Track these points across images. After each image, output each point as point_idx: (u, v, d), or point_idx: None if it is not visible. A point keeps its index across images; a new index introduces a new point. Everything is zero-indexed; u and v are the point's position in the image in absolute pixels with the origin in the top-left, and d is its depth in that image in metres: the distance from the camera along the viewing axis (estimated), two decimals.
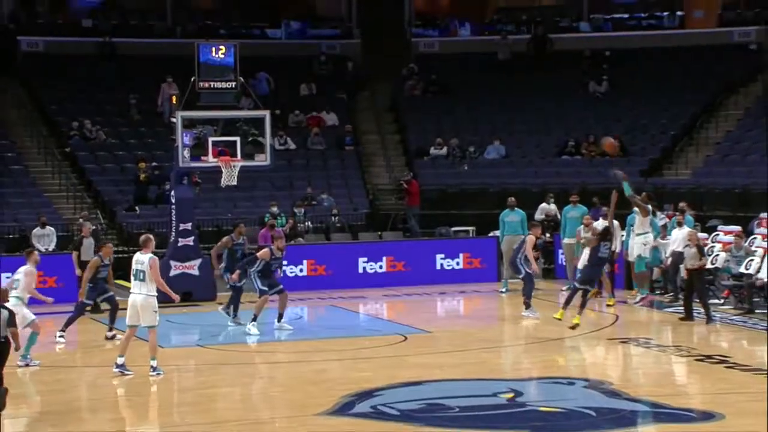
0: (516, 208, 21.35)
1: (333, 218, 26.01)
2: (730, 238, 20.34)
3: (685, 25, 34.40)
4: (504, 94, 31.92)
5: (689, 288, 17.98)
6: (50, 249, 22.64)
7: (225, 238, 18.63)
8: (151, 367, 14.09)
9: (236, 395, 13.53)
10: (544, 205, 24.73)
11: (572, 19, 34.86)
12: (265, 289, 17.20)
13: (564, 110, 31.18)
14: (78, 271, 19.57)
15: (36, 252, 16.15)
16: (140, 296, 14.04)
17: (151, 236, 14.72)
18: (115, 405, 13.24)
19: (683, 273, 18.82)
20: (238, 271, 17.74)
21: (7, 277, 20.34)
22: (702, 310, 17.66)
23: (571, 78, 32.23)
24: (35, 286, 15.42)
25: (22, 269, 15.33)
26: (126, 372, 14.13)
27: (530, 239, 18.59)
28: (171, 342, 17.06)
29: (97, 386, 14.20)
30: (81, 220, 22.85)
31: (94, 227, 21.76)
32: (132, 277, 14.14)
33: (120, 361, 14.17)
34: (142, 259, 14.09)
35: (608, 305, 19.46)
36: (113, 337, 16.75)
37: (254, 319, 17.23)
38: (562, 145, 29.93)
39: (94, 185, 27.33)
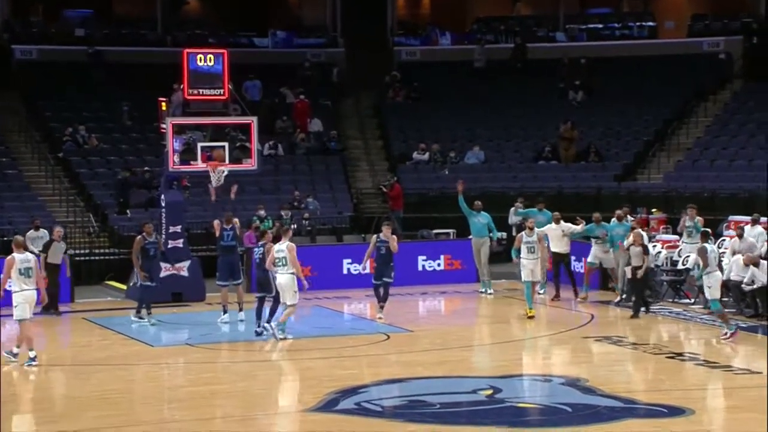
0: (482, 211, 21.83)
1: (304, 222, 26.24)
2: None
3: (657, 35, 35.23)
4: (483, 101, 32.61)
5: (634, 284, 18.73)
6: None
7: (137, 238, 18.89)
8: (12, 353, 15.11)
9: (224, 392, 13.85)
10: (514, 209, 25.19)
11: (549, 29, 35.61)
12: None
13: (541, 117, 31.92)
14: (43, 273, 19.56)
15: (291, 229, 17.66)
16: (34, 292, 15.10)
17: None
18: (105, 402, 13.38)
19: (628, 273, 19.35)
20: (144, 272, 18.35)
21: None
22: (681, 309, 18.41)
23: (548, 86, 32.98)
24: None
25: (283, 246, 16.62)
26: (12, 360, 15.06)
27: (372, 239, 18.90)
28: (161, 341, 17.56)
29: (87, 383, 14.50)
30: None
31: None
32: (21, 275, 14.89)
33: (17, 350, 15.11)
34: (29, 258, 15.15)
35: (529, 317, 19.21)
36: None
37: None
38: (540, 151, 30.77)
39: (87, 189, 27.87)
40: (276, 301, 17.23)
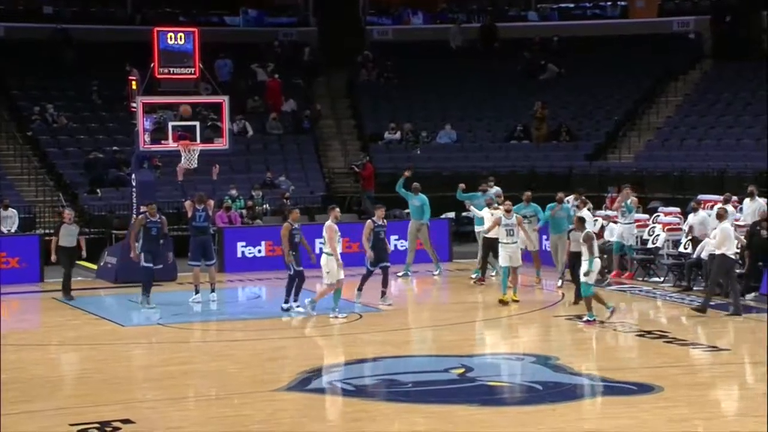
0: (420, 193, 21.63)
1: (285, 201, 26.34)
2: (670, 218, 21.30)
3: (628, 14, 35.38)
4: (455, 80, 32.63)
5: (574, 270, 18.17)
6: (13, 230, 22.97)
7: (139, 217, 18.62)
8: None
9: (196, 372, 13.85)
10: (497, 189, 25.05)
11: (520, 8, 35.78)
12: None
13: (513, 96, 32.02)
14: (54, 258, 19.28)
15: (337, 208, 17.40)
16: None
17: None
18: (77, 381, 13.48)
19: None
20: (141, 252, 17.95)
21: None
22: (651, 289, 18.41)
23: (520, 65, 33.05)
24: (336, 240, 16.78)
25: (325, 225, 16.68)
26: None
27: (368, 223, 18.28)
28: (132, 321, 17.50)
29: (59, 364, 14.51)
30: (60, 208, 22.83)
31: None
32: None
33: None
34: None
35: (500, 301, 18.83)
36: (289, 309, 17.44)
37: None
38: (512, 130, 30.84)
39: (56, 168, 27.69)
40: (291, 279, 17.49)
